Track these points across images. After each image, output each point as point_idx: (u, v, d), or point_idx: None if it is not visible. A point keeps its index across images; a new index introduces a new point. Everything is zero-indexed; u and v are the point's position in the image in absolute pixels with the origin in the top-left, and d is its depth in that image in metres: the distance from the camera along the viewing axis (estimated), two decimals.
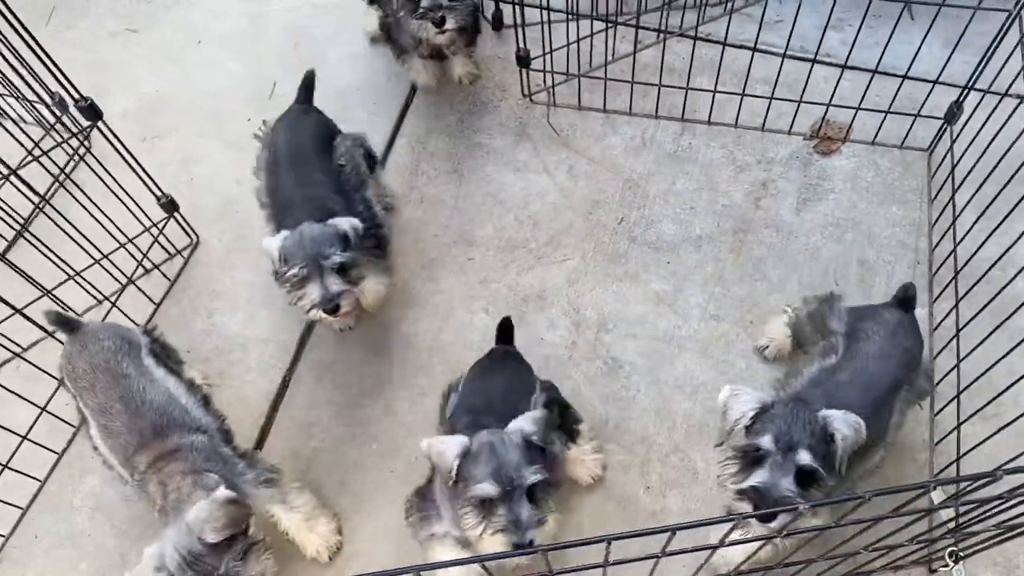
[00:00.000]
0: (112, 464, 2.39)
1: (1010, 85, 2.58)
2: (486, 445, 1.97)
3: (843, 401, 2.13)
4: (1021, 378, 2.19)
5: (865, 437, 2.00)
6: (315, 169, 2.73)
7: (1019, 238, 2.38)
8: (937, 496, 2.49)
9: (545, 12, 3.06)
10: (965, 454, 2.45)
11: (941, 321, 2.79)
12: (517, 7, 3.01)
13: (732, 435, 2.07)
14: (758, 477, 1.96)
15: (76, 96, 2.54)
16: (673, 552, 1.37)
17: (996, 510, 1.73)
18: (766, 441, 1.97)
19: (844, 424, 1.98)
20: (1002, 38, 2.68)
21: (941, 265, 2.88)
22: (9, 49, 2.62)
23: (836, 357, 2.32)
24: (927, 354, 2.77)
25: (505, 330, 2.56)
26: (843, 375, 2.24)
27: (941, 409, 2.64)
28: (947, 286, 2.78)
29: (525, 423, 2.04)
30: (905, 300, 2.39)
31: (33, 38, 2.33)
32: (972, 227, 2.72)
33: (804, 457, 1.94)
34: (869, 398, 2.19)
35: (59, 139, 3.01)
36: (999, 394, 2.30)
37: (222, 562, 1.93)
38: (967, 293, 2.62)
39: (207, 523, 1.94)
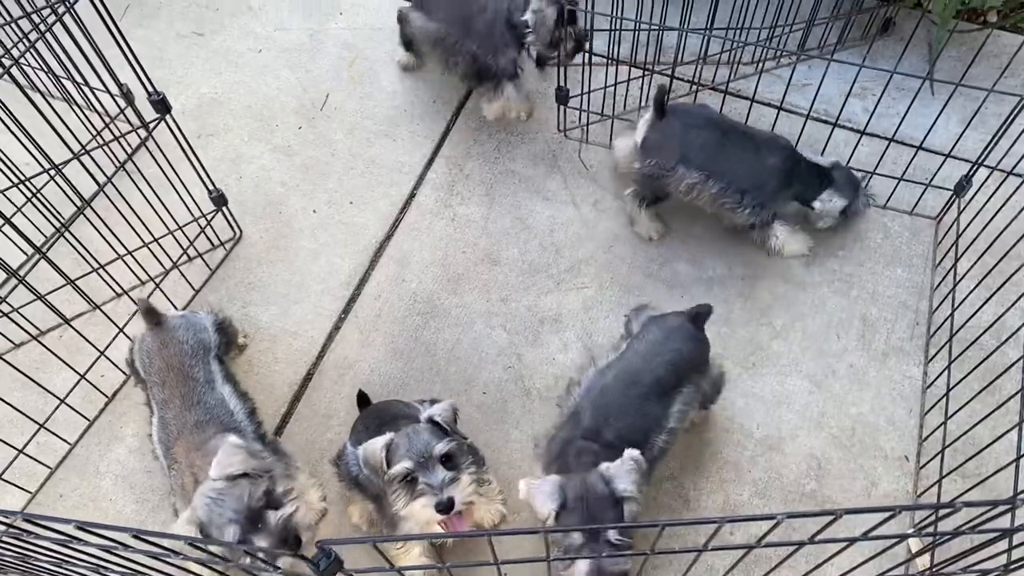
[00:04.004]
0: (158, 454, 2.57)
1: (1015, 165, 2.75)
2: (401, 436, 2.28)
3: (608, 403, 2.40)
4: (1000, 437, 2.33)
5: (644, 465, 2.23)
6: None
7: (1010, 307, 2.53)
8: (915, 545, 2.62)
9: (586, 55, 3.27)
10: (944, 506, 2.57)
11: (934, 380, 2.94)
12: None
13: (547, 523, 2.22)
14: (583, 569, 2.15)
15: (150, 90, 2.75)
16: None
17: (966, 554, 1.87)
18: (577, 537, 2.16)
19: (626, 480, 2.18)
20: (1013, 119, 2.84)
21: (939, 328, 3.03)
22: (89, 42, 2.85)
23: (613, 356, 2.54)
24: (921, 411, 2.92)
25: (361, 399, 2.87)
26: (609, 376, 2.47)
27: (926, 463, 2.78)
28: (941, 348, 2.92)
29: (431, 410, 2.35)
30: (696, 316, 2.58)
31: (121, 34, 2.55)
32: (969, 294, 2.88)
33: (612, 535, 2.13)
34: (632, 394, 2.42)
35: (126, 127, 3.22)
36: (978, 451, 2.44)
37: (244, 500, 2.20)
38: (959, 356, 2.76)
39: (221, 464, 2.23)
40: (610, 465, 2.21)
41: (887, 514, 1.47)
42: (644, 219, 3.29)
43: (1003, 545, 1.84)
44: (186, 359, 2.58)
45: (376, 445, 2.28)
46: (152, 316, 2.65)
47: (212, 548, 1.49)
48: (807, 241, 3.24)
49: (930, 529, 2.04)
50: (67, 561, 1.72)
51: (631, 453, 2.22)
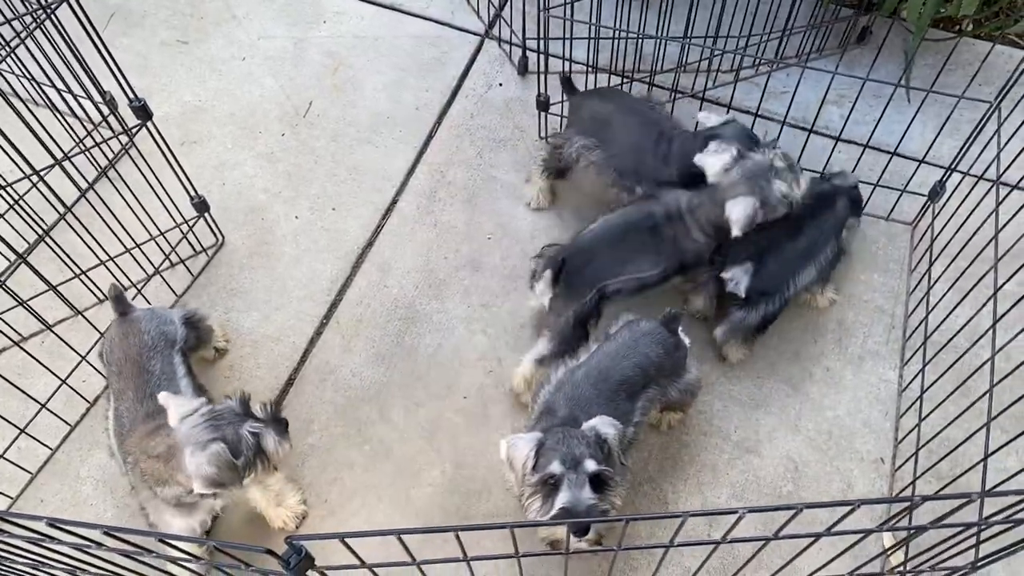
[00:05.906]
0: (113, 449, 2.57)
1: (985, 170, 2.80)
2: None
3: (580, 396, 2.43)
4: (971, 436, 2.36)
5: (622, 428, 2.32)
6: None
7: (980, 308, 2.57)
8: (888, 542, 2.65)
9: (567, 63, 3.31)
10: (902, 500, 2.61)
11: (909, 383, 2.97)
12: (542, 56, 3.26)
13: (525, 479, 2.26)
14: (562, 500, 2.17)
15: (131, 96, 2.77)
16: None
17: (939, 553, 1.91)
18: (555, 466, 2.19)
19: (607, 426, 2.27)
20: (983, 126, 2.90)
21: (914, 331, 3.07)
22: (71, 49, 2.87)
23: (585, 356, 2.58)
24: (896, 413, 2.96)
25: None
26: (580, 373, 2.51)
27: (901, 465, 2.81)
28: (916, 351, 2.96)
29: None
30: (667, 320, 2.62)
31: (103, 42, 2.57)
32: (943, 297, 2.92)
33: (591, 465, 2.18)
34: (602, 389, 2.46)
35: (108, 134, 3.24)
36: (950, 451, 2.47)
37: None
38: (933, 358, 2.80)
39: (181, 408, 2.30)
40: (592, 420, 2.28)
41: (855, 511, 1.50)
42: (536, 183, 3.44)
43: (973, 540, 1.87)
44: (144, 351, 2.57)
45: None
46: (120, 303, 2.65)
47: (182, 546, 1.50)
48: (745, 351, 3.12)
49: (894, 524, 2.06)
50: (43, 563, 1.73)
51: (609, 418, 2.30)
